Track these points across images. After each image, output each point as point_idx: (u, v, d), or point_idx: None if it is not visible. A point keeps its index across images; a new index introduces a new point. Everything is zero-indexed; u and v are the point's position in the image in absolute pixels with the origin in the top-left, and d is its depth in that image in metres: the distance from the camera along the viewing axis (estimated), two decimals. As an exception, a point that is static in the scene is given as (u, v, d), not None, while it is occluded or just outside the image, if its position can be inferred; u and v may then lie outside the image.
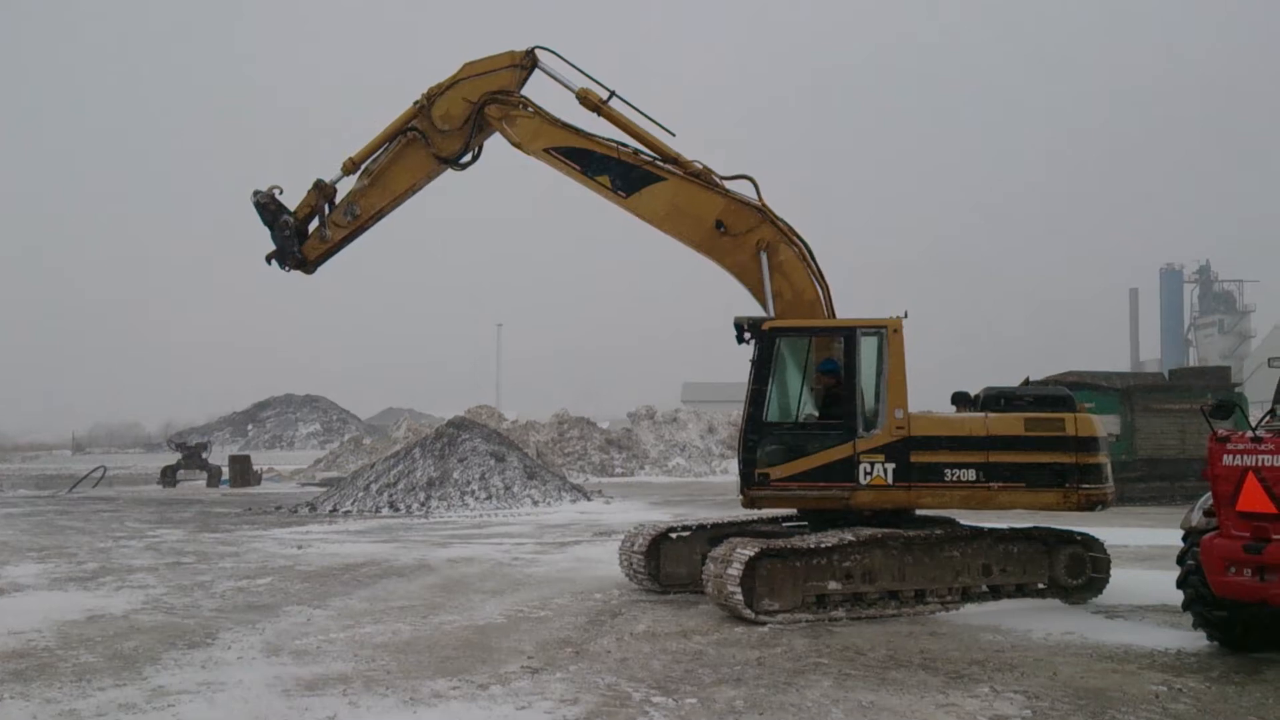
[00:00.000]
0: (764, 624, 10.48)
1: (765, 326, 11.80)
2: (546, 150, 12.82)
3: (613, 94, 12.90)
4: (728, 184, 12.74)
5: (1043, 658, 9.07)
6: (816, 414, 12.02)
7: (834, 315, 12.41)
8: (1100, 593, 11.92)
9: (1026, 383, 12.37)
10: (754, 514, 13.11)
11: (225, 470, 41.55)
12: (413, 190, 13.50)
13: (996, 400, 11.95)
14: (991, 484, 11.43)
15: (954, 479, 11.44)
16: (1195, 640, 9.50)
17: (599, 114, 12.90)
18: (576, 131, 12.84)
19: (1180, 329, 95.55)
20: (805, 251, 12.59)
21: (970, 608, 11.42)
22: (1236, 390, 29.89)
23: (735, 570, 10.59)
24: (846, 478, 11.50)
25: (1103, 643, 9.64)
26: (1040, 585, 11.86)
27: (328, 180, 13.54)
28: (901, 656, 9.10)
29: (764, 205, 12.61)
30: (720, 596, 10.82)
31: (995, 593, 11.71)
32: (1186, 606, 9.38)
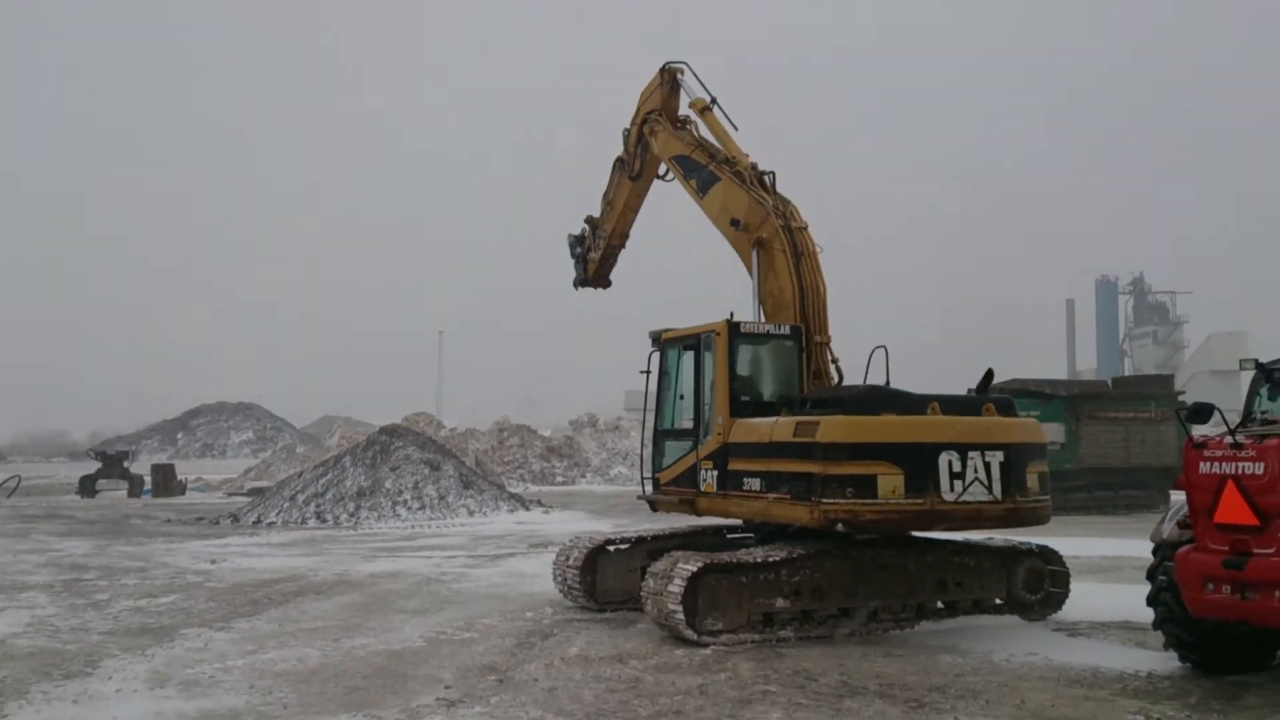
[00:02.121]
0: (707, 645, 9.68)
1: (657, 335, 12.14)
2: (670, 159, 13.61)
3: (714, 100, 13.38)
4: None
5: (1007, 682, 8.38)
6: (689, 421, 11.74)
7: (814, 317, 11.62)
8: (1060, 608, 11.31)
9: (988, 376, 11.58)
10: (699, 524, 12.35)
11: (148, 479, 39.88)
12: (630, 209, 14.81)
13: (826, 402, 10.70)
14: (767, 494, 10.42)
15: (748, 488, 10.72)
16: (1167, 661, 8.86)
17: (703, 120, 13.45)
18: (682, 140, 13.43)
19: (1116, 339, 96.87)
20: (800, 249, 11.72)
21: (925, 625, 10.74)
22: (1180, 397, 29.74)
23: (676, 587, 9.79)
24: (692, 484, 11.44)
25: (1069, 665, 8.98)
26: (998, 601, 11.21)
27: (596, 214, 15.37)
28: (856, 682, 8.36)
29: (775, 201, 12.04)
30: (660, 615, 10.00)
31: (951, 609, 11.04)
32: (1158, 625, 8.74)
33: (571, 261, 15.92)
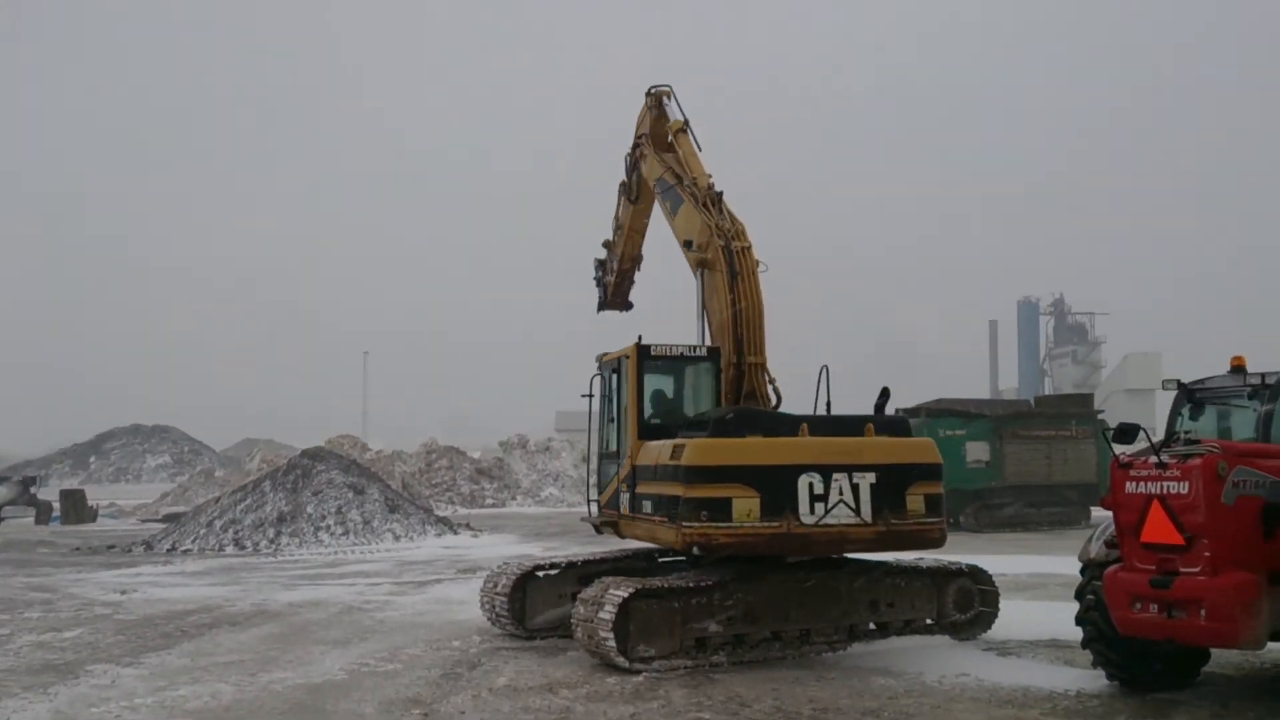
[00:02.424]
0: (639, 673, 9.50)
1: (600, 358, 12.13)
2: (653, 182, 13.42)
3: (686, 122, 13.43)
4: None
5: (940, 704, 8.34)
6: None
7: (749, 337, 11.38)
8: (989, 627, 11.34)
9: (884, 395, 11.57)
10: (629, 548, 12.19)
11: (56, 506, 38.48)
12: (635, 231, 14.64)
13: (697, 425, 10.81)
14: (655, 516, 10.39)
15: (645, 511, 10.70)
16: (1095, 680, 8.90)
17: (678, 142, 13.41)
18: (662, 163, 13.26)
19: (1037, 359, 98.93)
20: (737, 269, 11.45)
21: (857, 647, 10.68)
22: (1100, 416, 30.38)
23: (607, 613, 9.60)
24: (614, 506, 11.55)
25: (999, 685, 8.97)
26: (929, 621, 11.21)
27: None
28: (790, 707, 8.24)
29: (720, 220, 11.80)
30: (591, 643, 9.80)
31: (883, 630, 11.01)
32: (1086, 644, 8.78)
33: (596, 286, 15.90)
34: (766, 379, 11.33)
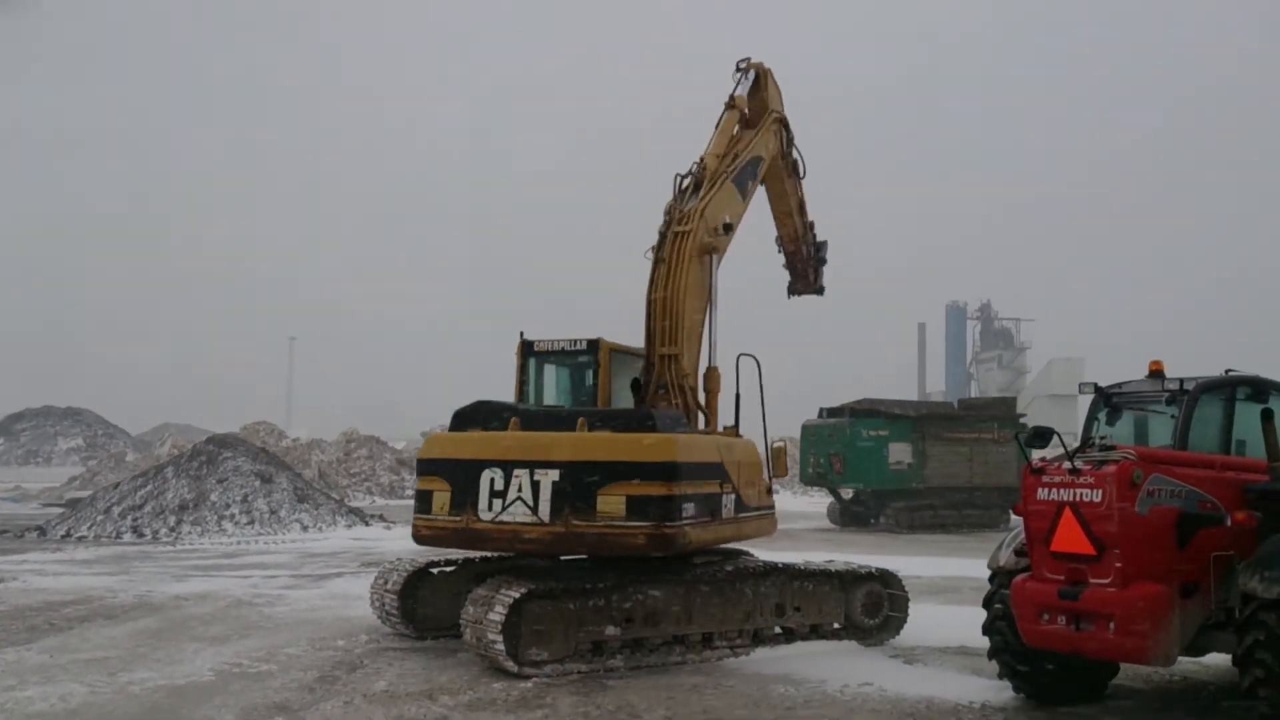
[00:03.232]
0: (529, 678, 8.97)
1: None
2: None
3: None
4: None
5: (840, 716, 7.95)
6: None
7: (664, 328, 11.05)
8: (898, 633, 11.01)
9: (635, 385, 11.17)
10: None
11: (-47, 488, 36.77)
12: (778, 211, 14.34)
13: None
14: None
15: None
16: (1001, 691, 8.57)
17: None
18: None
19: (964, 363, 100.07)
20: (661, 255, 11.33)
21: (762, 652, 10.28)
22: (1022, 420, 30.48)
23: (498, 614, 9.05)
24: None
25: (903, 695, 8.60)
26: (836, 626, 10.84)
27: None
28: (682, 718, 7.77)
29: (672, 203, 11.69)
30: (480, 645, 9.25)
31: (789, 635, 10.61)
32: (993, 655, 8.45)
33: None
34: (681, 370, 10.84)
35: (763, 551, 11.93)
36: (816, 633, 10.73)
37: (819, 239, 15.15)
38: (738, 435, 11.07)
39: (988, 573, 8.81)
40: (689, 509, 9.37)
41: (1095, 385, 9.12)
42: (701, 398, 11.12)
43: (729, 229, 11.78)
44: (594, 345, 11.15)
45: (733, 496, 10.12)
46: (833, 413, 28.78)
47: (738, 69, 13.43)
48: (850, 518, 28.72)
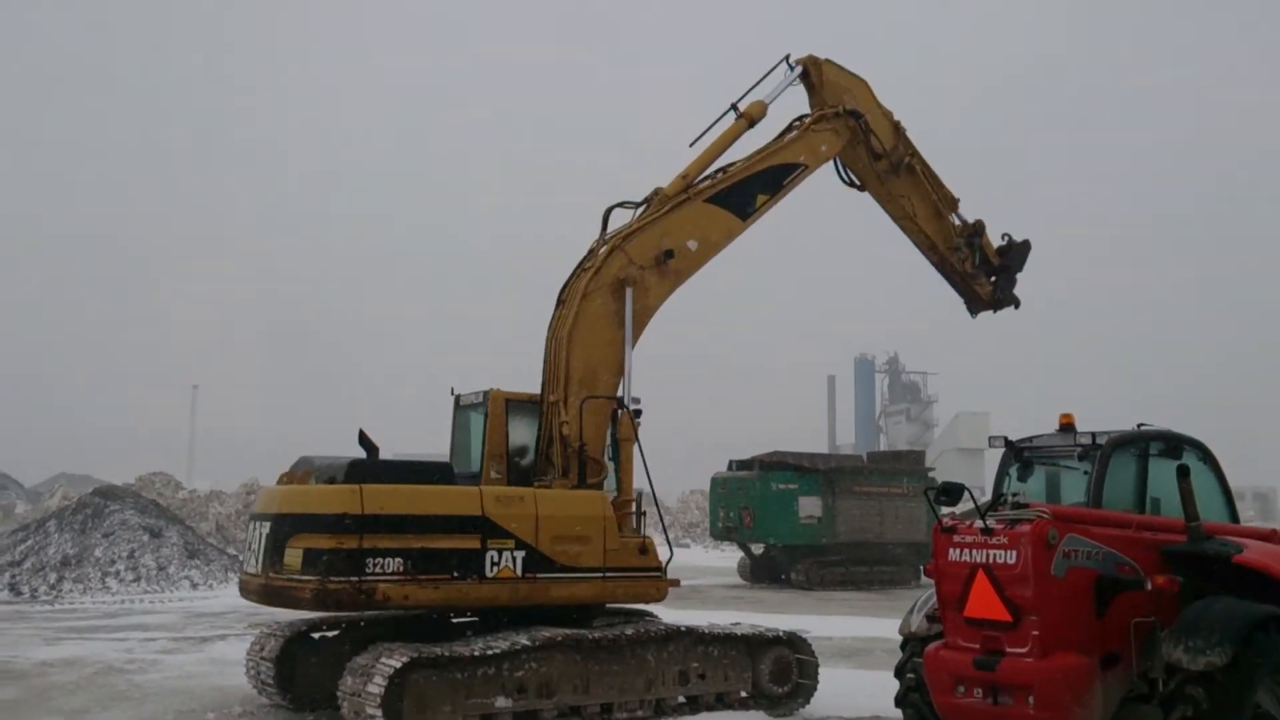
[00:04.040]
0: (411, 755, 8.27)
1: None
2: None
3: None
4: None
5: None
6: None
7: (551, 373, 10.79)
8: (809, 700, 10.54)
9: (361, 438, 10.00)
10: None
11: None
12: (895, 219, 13.20)
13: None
14: None
15: None
16: (914, 765, 8.11)
17: None
18: None
19: (873, 415, 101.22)
20: (562, 295, 11.17)
21: (663, 723, 9.71)
22: (930, 474, 30.50)
23: (377, 686, 8.38)
24: None
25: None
26: (743, 694, 10.32)
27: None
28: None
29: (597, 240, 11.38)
30: (358, 719, 8.52)
31: (693, 704, 10.07)
32: (906, 728, 8.02)
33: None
34: (560, 420, 10.32)
35: (668, 612, 11.42)
36: (722, 701, 10.23)
37: (997, 243, 13.56)
38: (585, 488, 10.24)
39: (900, 636, 8.41)
40: (389, 564, 8.79)
41: (1005, 439, 8.84)
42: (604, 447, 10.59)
43: (669, 256, 10.98)
44: (485, 396, 10.71)
45: (517, 554, 9.36)
46: (742, 465, 28.44)
47: (790, 67, 12.31)
48: (761, 573, 28.30)
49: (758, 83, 12.20)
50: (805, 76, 12.39)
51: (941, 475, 26.82)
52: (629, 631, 9.82)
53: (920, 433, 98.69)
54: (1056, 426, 8.81)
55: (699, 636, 10.15)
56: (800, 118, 12.33)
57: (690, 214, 11.28)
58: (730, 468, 28.81)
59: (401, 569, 8.81)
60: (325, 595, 8.64)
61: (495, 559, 9.24)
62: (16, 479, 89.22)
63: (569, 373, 10.41)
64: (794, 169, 11.89)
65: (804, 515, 27.12)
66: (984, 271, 13.49)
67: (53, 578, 23.39)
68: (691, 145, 11.78)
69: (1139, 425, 8.56)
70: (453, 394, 11.44)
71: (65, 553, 24.22)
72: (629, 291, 10.70)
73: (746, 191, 11.61)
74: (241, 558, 9.76)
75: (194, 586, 24.08)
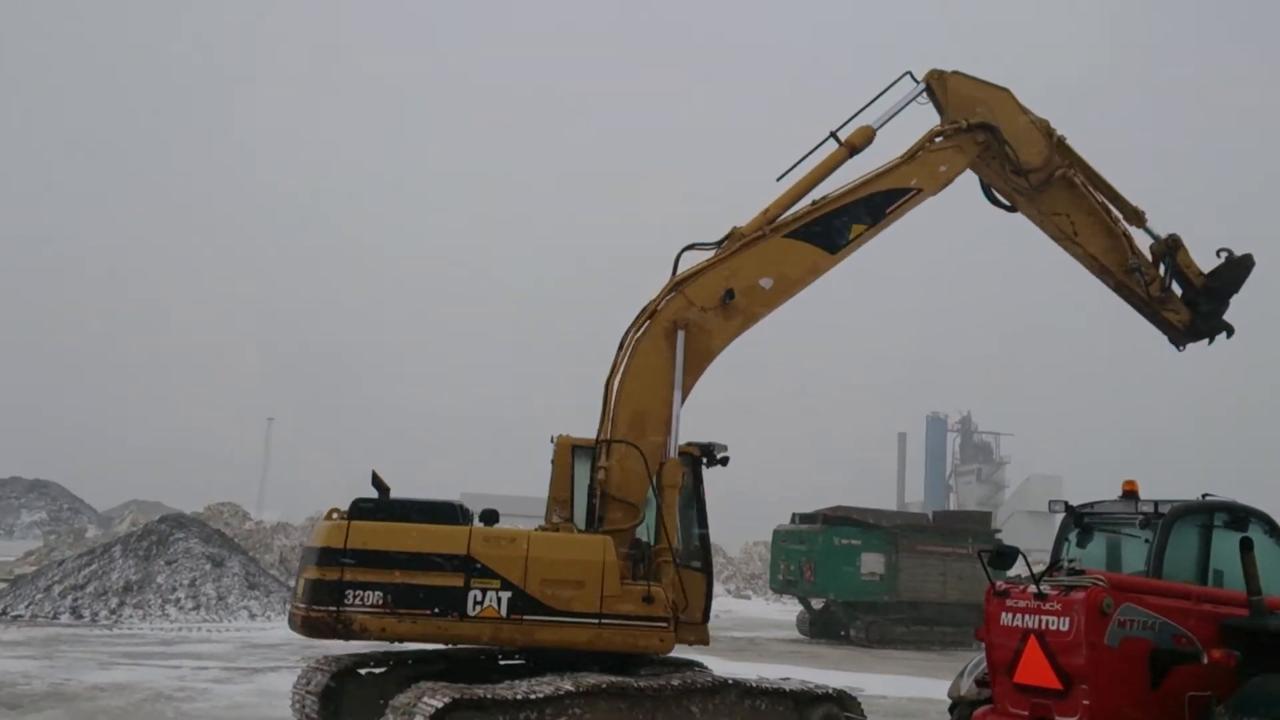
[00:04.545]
0: (448, 797, 8.23)
1: None
2: None
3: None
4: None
5: None
6: None
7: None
8: (856, 762, 10.27)
9: (374, 478, 10.42)
10: (474, 646, 10.86)
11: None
12: (1058, 242, 11.91)
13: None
14: None
15: None
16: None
17: None
18: None
19: (943, 474, 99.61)
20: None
21: (705, 779, 9.53)
22: (997, 535, 29.86)
23: (418, 726, 8.35)
24: None
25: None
26: (789, 751, 10.11)
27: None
28: None
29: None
30: (399, 759, 8.52)
31: (737, 761, 9.88)
32: (953, 797, 7.79)
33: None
34: (598, 465, 10.45)
35: (720, 663, 11.29)
36: (766, 760, 10.01)
37: (1206, 259, 11.85)
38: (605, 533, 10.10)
39: (949, 699, 8.21)
40: (368, 597, 9.23)
41: (1066, 504, 8.64)
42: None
43: (730, 296, 10.50)
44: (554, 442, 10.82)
45: (502, 594, 9.39)
46: (805, 519, 28.14)
47: (916, 83, 11.29)
48: (820, 628, 27.86)
49: (866, 106, 11.18)
50: (930, 94, 11.37)
51: (1010, 538, 26.30)
52: (675, 682, 9.69)
53: (991, 494, 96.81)
54: (1120, 493, 8.60)
55: (746, 690, 9.98)
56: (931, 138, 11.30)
57: (767, 250, 10.70)
58: (793, 520, 28.53)
59: (380, 602, 9.23)
60: (310, 622, 9.30)
61: (479, 598, 9.37)
62: (90, 503, 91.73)
63: (616, 419, 10.37)
64: (903, 194, 10.96)
65: (866, 572, 26.74)
66: (1183, 295, 11.87)
67: (114, 602, 23.83)
68: (779, 180, 10.97)
69: (1204, 495, 8.32)
70: (551, 440, 11.18)
71: (128, 578, 24.69)
72: (681, 334, 10.40)
73: (839, 221, 10.84)
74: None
75: (252, 617, 24.36)
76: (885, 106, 11.21)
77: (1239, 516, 8.11)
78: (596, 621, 9.58)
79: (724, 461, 11.26)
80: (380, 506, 9.79)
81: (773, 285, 10.69)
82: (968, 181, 11.72)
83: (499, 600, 9.38)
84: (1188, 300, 11.90)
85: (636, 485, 10.24)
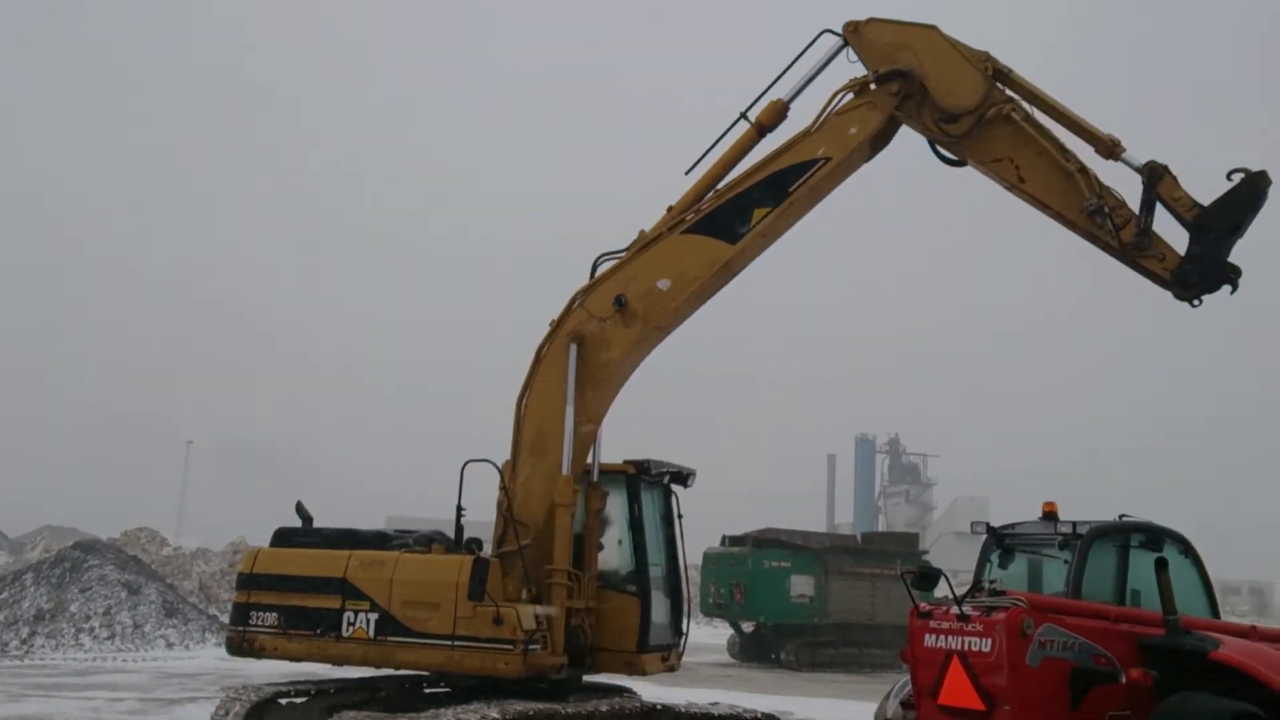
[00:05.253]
0: (368, 830, 8.04)
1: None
2: None
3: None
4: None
5: None
6: None
7: None
8: (783, 787, 10.27)
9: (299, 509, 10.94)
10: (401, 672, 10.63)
11: None
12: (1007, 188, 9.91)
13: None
14: None
15: None
16: None
17: None
18: None
19: (872, 496, 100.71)
20: None
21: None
22: (924, 558, 30.19)
23: (336, 757, 8.16)
24: None
25: None
26: (716, 776, 10.07)
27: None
28: None
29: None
30: (317, 792, 8.32)
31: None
32: (880, 820, 7.81)
33: None
34: (500, 484, 10.25)
35: (650, 689, 11.20)
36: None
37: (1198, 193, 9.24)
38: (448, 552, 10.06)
39: (878, 722, 8.24)
40: (266, 618, 9.93)
41: (987, 525, 8.76)
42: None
43: (620, 303, 9.93)
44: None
45: (370, 615, 9.56)
46: (735, 541, 28.19)
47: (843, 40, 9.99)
48: (751, 652, 27.89)
49: (780, 75, 10.13)
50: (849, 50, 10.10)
51: (939, 559, 26.66)
52: (603, 708, 9.61)
53: (919, 515, 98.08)
54: (1040, 514, 8.73)
55: (675, 715, 9.96)
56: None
57: (665, 249, 10.06)
58: (723, 543, 28.56)
59: (276, 623, 9.88)
60: (228, 641, 10.24)
61: (351, 619, 9.61)
62: (1, 529, 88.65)
63: (520, 439, 10.17)
64: (809, 167, 9.81)
65: (795, 594, 26.84)
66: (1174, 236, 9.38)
67: (25, 632, 23.02)
68: (688, 173, 10.27)
69: (1121, 516, 8.48)
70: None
71: (40, 607, 23.87)
72: (573, 349, 9.98)
73: (738, 208, 9.92)
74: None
75: (169, 646, 23.68)
76: (799, 74, 10.09)
77: (1155, 537, 8.28)
78: (450, 643, 9.41)
79: (682, 481, 11.17)
80: (300, 534, 10.23)
81: (671, 285, 9.95)
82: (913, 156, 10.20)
83: (368, 621, 9.58)
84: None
85: (535, 506, 9.99)
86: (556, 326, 10.23)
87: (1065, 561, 8.14)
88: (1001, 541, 8.70)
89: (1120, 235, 9.25)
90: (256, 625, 9.91)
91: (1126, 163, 9.55)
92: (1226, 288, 9.15)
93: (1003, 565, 8.63)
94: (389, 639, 9.47)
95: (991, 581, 7.70)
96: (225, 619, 32.90)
